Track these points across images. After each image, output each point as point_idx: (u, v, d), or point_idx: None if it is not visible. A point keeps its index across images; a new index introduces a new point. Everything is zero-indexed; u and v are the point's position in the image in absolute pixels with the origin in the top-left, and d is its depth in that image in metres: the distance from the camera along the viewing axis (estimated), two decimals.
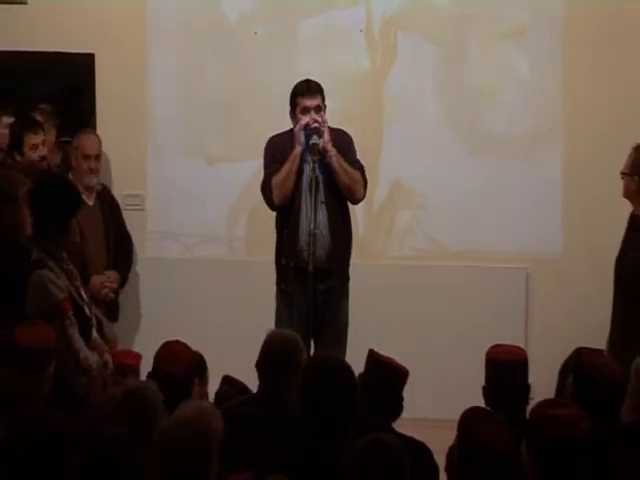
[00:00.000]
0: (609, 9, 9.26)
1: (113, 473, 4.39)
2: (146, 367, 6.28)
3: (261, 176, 7.97)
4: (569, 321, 8.32)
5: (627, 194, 7.84)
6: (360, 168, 7.91)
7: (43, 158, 8.51)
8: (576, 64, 9.47)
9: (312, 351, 7.44)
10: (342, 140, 7.89)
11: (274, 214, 7.97)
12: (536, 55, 9.63)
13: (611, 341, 7.65)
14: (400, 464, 4.46)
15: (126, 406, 5.28)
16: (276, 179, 7.75)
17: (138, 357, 6.80)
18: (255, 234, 9.29)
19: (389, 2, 9.53)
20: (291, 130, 7.83)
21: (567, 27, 9.49)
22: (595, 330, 7.83)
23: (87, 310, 6.60)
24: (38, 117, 8.88)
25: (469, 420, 5.01)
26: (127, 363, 6.65)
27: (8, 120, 8.81)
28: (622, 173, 7.79)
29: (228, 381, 6.42)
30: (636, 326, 7.42)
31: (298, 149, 7.71)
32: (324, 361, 5.52)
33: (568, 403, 5.13)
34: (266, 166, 7.93)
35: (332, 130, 7.83)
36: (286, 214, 7.85)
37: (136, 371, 6.65)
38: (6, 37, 9.71)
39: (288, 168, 7.72)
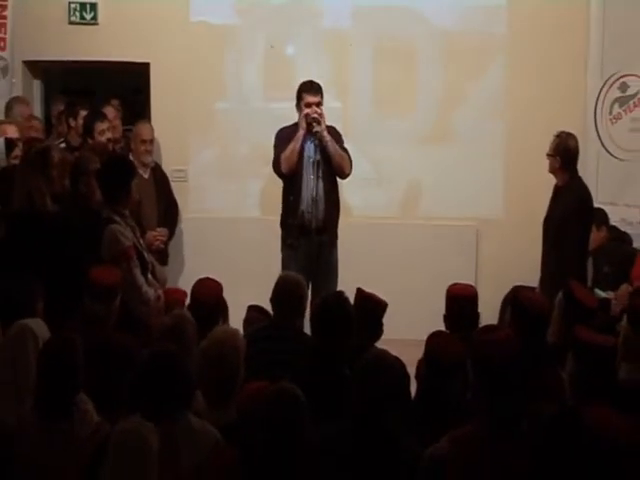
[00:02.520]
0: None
1: (166, 378, 4.45)
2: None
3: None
4: (509, 265, 8.35)
5: (552, 170, 7.79)
6: (347, 152, 7.99)
7: (109, 140, 8.53)
8: (518, 58, 9.46)
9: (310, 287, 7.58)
10: (334, 132, 7.96)
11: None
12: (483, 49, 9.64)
13: (541, 281, 7.70)
14: (399, 375, 4.52)
15: (171, 330, 5.37)
16: (284, 154, 7.86)
17: (184, 293, 6.84)
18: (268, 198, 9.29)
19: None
20: (295, 124, 7.89)
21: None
22: (529, 273, 7.84)
23: (146, 256, 6.62)
24: (108, 110, 8.93)
25: (433, 340, 5.07)
26: (175, 298, 6.69)
27: (84, 113, 8.82)
28: (548, 155, 7.74)
29: (253, 308, 6.46)
30: (559, 270, 7.46)
31: (301, 132, 7.83)
32: (329, 300, 5.51)
33: (503, 328, 5.17)
34: (276, 147, 7.99)
35: (327, 126, 7.90)
36: (291, 184, 7.91)
37: (182, 304, 6.73)
38: (83, 50, 9.71)
39: (293, 146, 7.82)
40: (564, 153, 7.74)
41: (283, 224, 7.98)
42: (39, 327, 5.09)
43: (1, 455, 4.03)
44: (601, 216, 8.34)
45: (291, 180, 7.91)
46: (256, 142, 9.64)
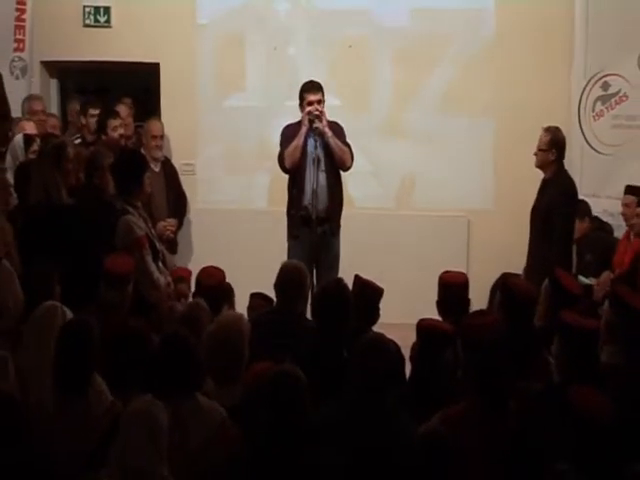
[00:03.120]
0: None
1: (177, 360, 4.46)
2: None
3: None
4: (498, 254, 8.35)
5: (542, 164, 7.69)
6: (348, 147, 7.94)
7: (121, 136, 8.57)
8: (507, 59, 9.45)
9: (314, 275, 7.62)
10: (335, 127, 7.92)
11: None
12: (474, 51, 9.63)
13: (526, 268, 7.68)
14: (395, 357, 4.53)
15: (187, 317, 5.38)
16: (288, 151, 7.83)
17: (189, 272, 6.89)
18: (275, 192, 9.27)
19: None
20: (299, 121, 7.87)
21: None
22: (517, 261, 7.84)
23: (157, 245, 6.61)
24: (120, 108, 8.93)
25: (425, 323, 5.09)
26: (180, 275, 6.75)
27: (94, 112, 8.82)
28: (542, 150, 7.62)
29: (256, 295, 6.47)
30: (545, 257, 7.47)
31: (304, 129, 7.79)
32: (329, 287, 5.53)
33: (492, 313, 5.19)
34: (281, 144, 7.96)
35: (329, 121, 7.87)
36: (295, 178, 7.90)
37: (187, 281, 6.76)
38: (97, 51, 9.70)
39: (296, 143, 7.79)
40: (558, 146, 7.71)
41: (288, 215, 7.98)
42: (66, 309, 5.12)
43: (20, 428, 4.01)
44: (584, 208, 8.35)
45: (295, 174, 7.90)
46: (260, 138, 9.69)
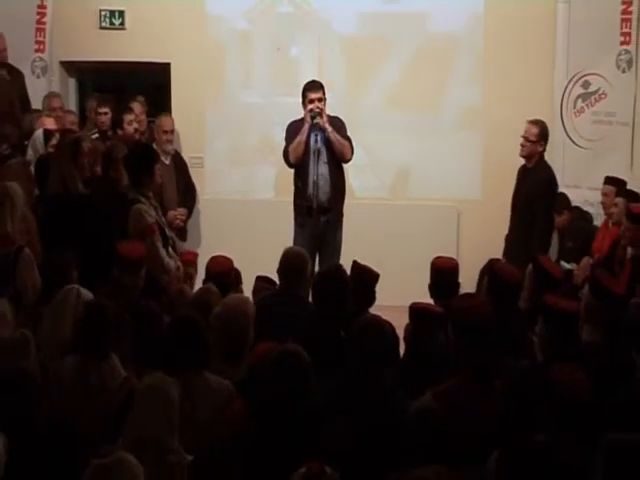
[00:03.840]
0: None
1: (186, 340, 4.46)
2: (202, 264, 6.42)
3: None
4: (485, 241, 8.30)
5: (530, 155, 7.75)
6: (349, 140, 7.94)
7: (136, 130, 8.62)
8: (494, 59, 9.42)
9: (317, 261, 7.65)
10: (337, 122, 7.93)
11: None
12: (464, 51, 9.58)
13: (505, 251, 7.74)
14: (390, 338, 4.53)
15: (198, 300, 5.39)
16: (292, 146, 7.85)
17: (196, 255, 6.88)
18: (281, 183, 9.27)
19: None
20: (302, 119, 7.87)
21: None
22: (503, 248, 7.92)
23: (167, 232, 6.61)
24: (134, 105, 8.93)
25: (418, 306, 5.09)
26: (187, 259, 6.73)
27: (104, 109, 8.82)
28: (532, 141, 7.69)
29: (261, 278, 6.47)
30: (525, 243, 7.51)
31: (306, 125, 7.80)
32: (328, 272, 5.57)
33: (480, 296, 5.20)
34: (286, 140, 7.97)
35: (331, 117, 7.91)
36: (299, 171, 7.92)
37: (194, 264, 6.76)
38: (112, 52, 9.68)
39: (299, 138, 7.81)
40: (546, 138, 7.80)
41: (295, 205, 8.00)
42: (85, 293, 5.12)
43: (36, 403, 4.02)
44: (562, 201, 8.35)
45: (299, 168, 7.92)
46: (263, 133, 9.67)
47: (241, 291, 6.24)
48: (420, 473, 2.86)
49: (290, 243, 7.47)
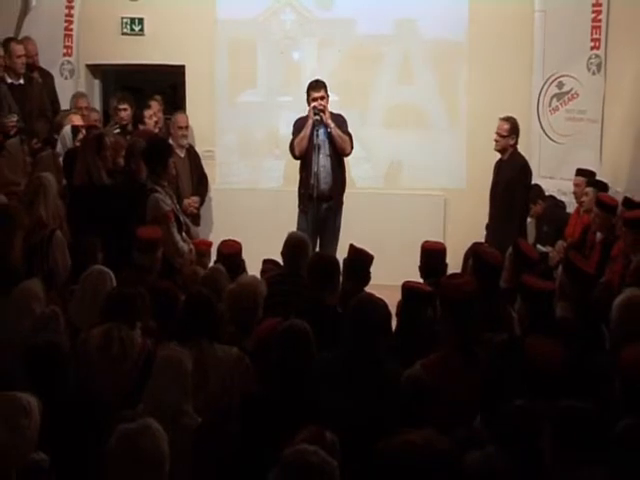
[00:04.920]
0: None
1: (199, 314, 4.46)
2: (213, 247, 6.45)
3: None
4: (470, 226, 8.30)
5: (503, 148, 7.83)
6: (349, 136, 7.94)
7: (156, 123, 8.69)
8: (477, 61, 9.40)
9: (317, 245, 7.68)
10: (338, 119, 7.92)
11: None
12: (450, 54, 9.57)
13: (487, 237, 7.74)
14: (383, 313, 4.53)
15: (209, 278, 5.38)
16: (297, 140, 7.86)
17: (209, 244, 6.86)
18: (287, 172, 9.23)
19: None
20: (307, 115, 7.86)
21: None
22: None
23: (181, 218, 6.60)
24: (152, 104, 8.92)
25: (409, 285, 5.08)
26: (201, 250, 6.70)
27: (124, 106, 8.80)
28: (503, 136, 7.76)
29: (268, 261, 6.46)
30: (504, 228, 7.51)
31: (310, 122, 7.79)
32: (322, 256, 5.60)
33: (465, 275, 5.19)
34: (293, 134, 7.96)
35: (334, 114, 7.91)
36: (304, 163, 7.91)
37: (207, 253, 6.74)
38: (132, 55, 9.65)
39: (303, 133, 7.81)
40: (516, 133, 7.84)
41: (298, 193, 7.99)
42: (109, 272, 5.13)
43: (67, 372, 4.02)
44: (537, 192, 8.35)
45: (304, 160, 7.91)
46: (268, 128, 9.64)
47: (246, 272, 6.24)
48: (409, 437, 2.85)
49: (294, 228, 7.47)
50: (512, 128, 7.80)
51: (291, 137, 8.00)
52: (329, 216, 7.91)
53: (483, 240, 7.41)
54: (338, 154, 7.92)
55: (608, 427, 3.42)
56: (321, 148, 7.78)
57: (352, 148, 7.99)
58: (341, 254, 5.75)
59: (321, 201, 7.81)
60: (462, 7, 9.40)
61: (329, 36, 9.70)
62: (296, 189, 8.02)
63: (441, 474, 2.78)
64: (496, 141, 7.85)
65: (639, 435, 3.37)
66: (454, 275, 4.99)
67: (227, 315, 4.81)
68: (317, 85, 7.89)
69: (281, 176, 9.65)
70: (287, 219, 7.87)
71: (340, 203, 7.98)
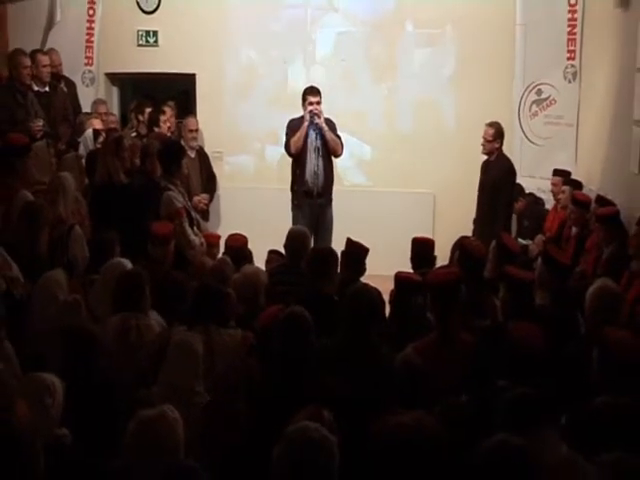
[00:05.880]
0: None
1: (209, 300, 4.45)
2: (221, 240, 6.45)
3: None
4: (456, 222, 8.26)
5: (490, 151, 7.82)
6: (339, 138, 7.94)
7: (169, 127, 8.67)
8: (464, 70, 9.39)
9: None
10: (329, 123, 7.89)
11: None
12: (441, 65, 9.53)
13: (474, 231, 7.72)
14: (377, 301, 4.52)
15: (216, 269, 5.36)
16: (293, 139, 7.80)
17: (218, 237, 6.85)
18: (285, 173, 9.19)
19: None
20: (301, 117, 7.83)
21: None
22: (471, 227, 7.90)
23: (192, 214, 6.59)
24: (166, 109, 8.91)
25: (400, 275, 5.07)
26: (211, 241, 6.70)
27: (148, 110, 8.82)
28: (489, 140, 7.77)
29: (272, 252, 6.45)
30: (491, 223, 7.49)
31: (305, 123, 7.77)
32: (321, 249, 5.59)
33: (452, 266, 5.18)
34: (287, 134, 7.90)
35: (325, 118, 7.85)
36: (298, 161, 7.87)
37: (217, 244, 6.72)
38: (147, 64, 9.62)
39: (299, 134, 7.77)
40: (501, 136, 7.84)
41: (292, 190, 7.94)
42: (128, 265, 5.11)
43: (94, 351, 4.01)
44: (517, 190, 8.33)
45: (298, 158, 7.86)
46: (270, 132, 9.51)
47: (252, 263, 6.22)
48: (400, 418, 2.83)
49: (290, 222, 7.47)
50: (497, 132, 7.80)
51: (285, 136, 7.94)
52: (323, 210, 7.90)
53: (468, 233, 7.38)
54: (329, 155, 7.90)
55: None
56: (316, 149, 7.76)
57: (343, 149, 7.98)
58: (337, 247, 5.72)
59: (316, 197, 7.79)
60: (452, 22, 9.44)
61: (316, 50, 9.71)
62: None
63: (430, 452, 2.76)
64: (483, 145, 7.86)
65: (615, 411, 3.36)
66: (443, 266, 4.99)
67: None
68: (313, 90, 7.87)
69: (279, 176, 9.60)
70: (287, 215, 7.86)
71: (331, 198, 7.99)
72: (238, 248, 5.90)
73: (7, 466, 1.96)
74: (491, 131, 7.80)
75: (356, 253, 5.64)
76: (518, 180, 8.23)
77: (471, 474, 2.78)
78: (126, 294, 4.59)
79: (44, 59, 8.06)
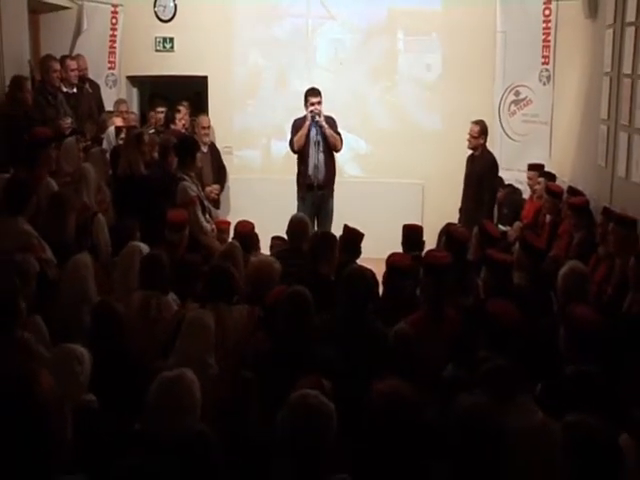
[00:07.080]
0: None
1: (220, 281, 4.44)
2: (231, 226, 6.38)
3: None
4: (443, 210, 8.20)
5: (475, 147, 7.85)
6: (339, 135, 7.88)
7: (183, 125, 8.68)
8: (449, 73, 9.35)
9: (316, 226, 7.57)
10: (330, 120, 7.84)
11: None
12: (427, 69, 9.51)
13: (459, 220, 7.70)
14: (372, 282, 4.52)
15: (227, 253, 5.35)
16: (296, 137, 7.75)
17: (228, 223, 6.83)
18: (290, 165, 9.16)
19: None
20: (304, 116, 7.77)
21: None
22: (457, 215, 7.90)
23: (205, 202, 6.56)
24: (180, 108, 8.88)
25: (392, 258, 5.06)
26: (222, 227, 6.69)
27: (160, 109, 8.84)
28: (474, 137, 7.79)
29: (276, 237, 6.43)
30: (475, 212, 7.49)
31: (307, 122, 7.71)
32: (322, 234, 5.57)
33: (441, 250, 5.17)
34: (291, 133, 7.86)
35: (326, 116, 7.80)
36: (302, 156, 7.83)
37: (227, 230, 6.70)
38: (164, 68, 9.58)
39: (302, 132, 7.71)
40: (485, 133, 7.87)
41: (297, 183, 7.91)
42: (145, 248, 5.08)
43: (117, 325, 4.00)
44: (498, 182, 8.31)
45: (302, 154, 7.82)
46: (275, 128, 9.52)
47: (259, 249, 6.20)
48: (379, 386, 2.84)
49: (295, 210, 7.46)
50: (481, 130, 7.83)
51: (290, 135, 7.89)
52: (324, 201, 7.84)
53: (454, 220, 7.36)
54: (330, 150, 7.85)
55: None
56: (317, 145, 7.70)
57: (342, 145, 7.93)
58: (336, 233, 5.70)
59: (317, 189, 7.74)
60: (439, 30, 9.42)
61: (316, 56, 9.65)
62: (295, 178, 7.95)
63: (407, 414, 2.76)
64: (469, 141, 7.88)
65: (580, 379, 3.36)
66: (431, 250, 4.98)
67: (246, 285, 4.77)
68: (314, 91, 7.80)
69: (284, 168, 9.56)
70: (291, 204, 7.81)
71: (332, 190, 7.93)
72: (246, 233, 5.87)
73: (35, 432, 1.95)
74: (477, 128, 7.83)
75: (352, 238, 5.63)
76: (499, 173, 8.22)
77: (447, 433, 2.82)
78: (149, 274, 4.58)
79: (72, 64, 8.07)
